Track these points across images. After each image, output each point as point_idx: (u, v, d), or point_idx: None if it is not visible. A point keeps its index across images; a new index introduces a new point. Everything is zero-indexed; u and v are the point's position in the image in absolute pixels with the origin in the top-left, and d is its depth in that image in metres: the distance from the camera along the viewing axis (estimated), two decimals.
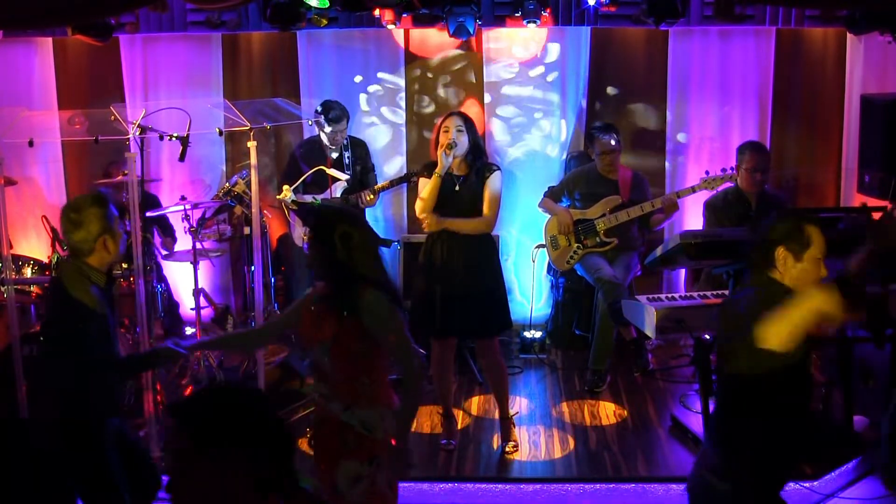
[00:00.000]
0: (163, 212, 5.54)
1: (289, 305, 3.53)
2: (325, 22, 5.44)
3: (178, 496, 1.84)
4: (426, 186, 4.43)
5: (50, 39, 6.28)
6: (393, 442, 3.08)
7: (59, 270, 3.44)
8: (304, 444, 4.17)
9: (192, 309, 5.42)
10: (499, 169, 4.48)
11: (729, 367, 2.93)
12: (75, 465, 3.27)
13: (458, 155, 4.39)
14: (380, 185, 5.44)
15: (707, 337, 4.67)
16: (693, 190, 5.41)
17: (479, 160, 4.46)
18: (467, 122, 4.43)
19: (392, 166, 6.42)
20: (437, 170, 4.39)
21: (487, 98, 6.34)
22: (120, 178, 5.28)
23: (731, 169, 5.29)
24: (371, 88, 6.41)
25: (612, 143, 5.53)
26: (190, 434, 1.80)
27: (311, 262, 3.13)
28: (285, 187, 5.29)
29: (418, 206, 4.49)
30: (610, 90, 6.36)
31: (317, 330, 3.03)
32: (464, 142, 4.39)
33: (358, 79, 6.39)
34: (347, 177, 5.41)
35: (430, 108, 6.42)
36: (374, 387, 3.06)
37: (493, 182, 4.44)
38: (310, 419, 4.72)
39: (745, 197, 5.29)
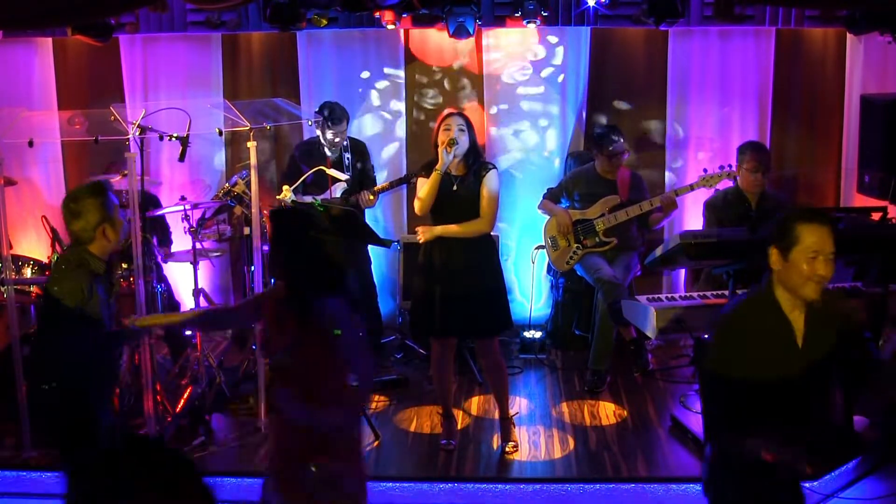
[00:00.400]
0: (163, 212, 5.53)
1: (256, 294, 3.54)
2: (325, 22, 5.45)
3: None
4: (425, 184, 4.44)
5: (50, 39, 6.28)
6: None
7: (52, 267, 3.51)
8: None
9: (191, 309, 5.42)
10: (495, 168, 4.49)
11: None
12: (67, 458, 3.30)
13: (458, 154, 4.40)
14: (379, 186, 5.45)
15: (707, 337, 4.67)
16: (692, 188, 5.40)
17: (477, 161, 4.48)
18: (467, 122, 4.45)
19: (392, 166, 6.42)
20: (437, 166, 4.39)
21: (487, 98, 6.34)
22: (119, 179, 5.28)
23: (729, 166, 5.29)
24: (371, 88, 6.41)
25: (619, 147, 5.49)
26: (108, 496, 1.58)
27: (272, 264, 3.11)
28: (285, 187, 5.30)
29: (417, 204, 4.50)
30: (610, 90, 6.35)
31: (279, 332, 3.03)
32: (464, 141, 4.40)
33: (358, 79, 6.39)
34: (347, 177, 5.41)
35: (430, 108, 6.41)
36: (338, 388, 3.07)
37: (491, 181, 4.44)
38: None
39: (746, 197, 5.29)
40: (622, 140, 5.53)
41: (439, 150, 4.38)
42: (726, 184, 5.34)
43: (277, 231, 3.07)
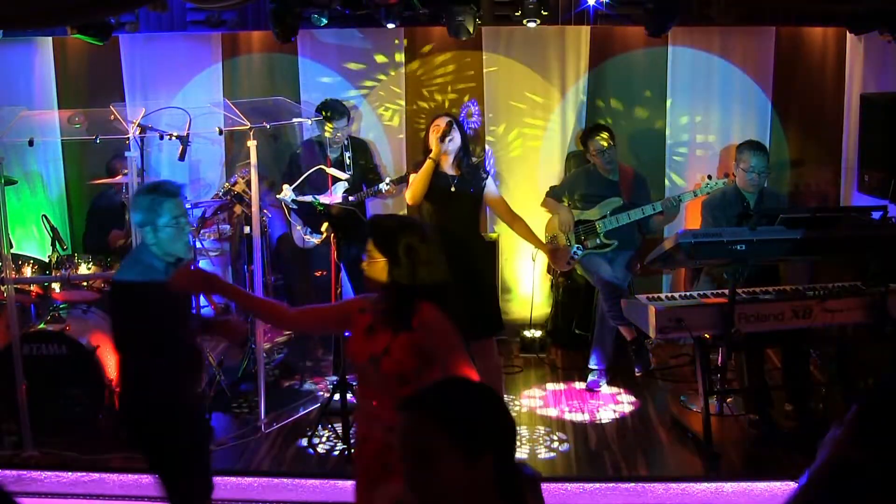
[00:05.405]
0: None
1: (337, 301, 3.24)
2: (324, 21, 5.45)
3: (419, 495, 1.79)
4: (417, 174, 4.59)
5: (50, 39, 6.28)
6: None
7: None
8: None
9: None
10: (488, 175, 4.72)
11: None
12: None
13: (451, 150, 4.56)
14: (392, 178, 5.52)
15: (707, 336, 4.67)
16: (695, 194, 5.43)
17: (469, 162, 4.65)
18: (458, 123, 4.64)
19: (392, 165, 6.42)
20: (431, 154, 4.53)
21: (487, 97, 6.33)
22: (120, 177, 5.28)
23: (734, 175, 5.32)
24: (371, 88, 6.41)
25: (603, 143, 5.52)
26: (444, 430, 1.75)
27: (369, 276, 2.88)
28: (285, 186, 5.31)
29: (408, 193, 4.63)
30: (609, 90, 6.35)
31: (368, 342, 2.85)
32: (457, 138, 4.57)
33: (357, 78, 6.38)
34: (348, 176, 5.42)
35: (430, 107, 6.40)
36: None
37: (493, 190, 4.71)
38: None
39: (744, 196, 5.28)
40: (606, 137, 5.54)
41: (433, 137, 4.54)
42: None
43: (381, 240, 2.86)
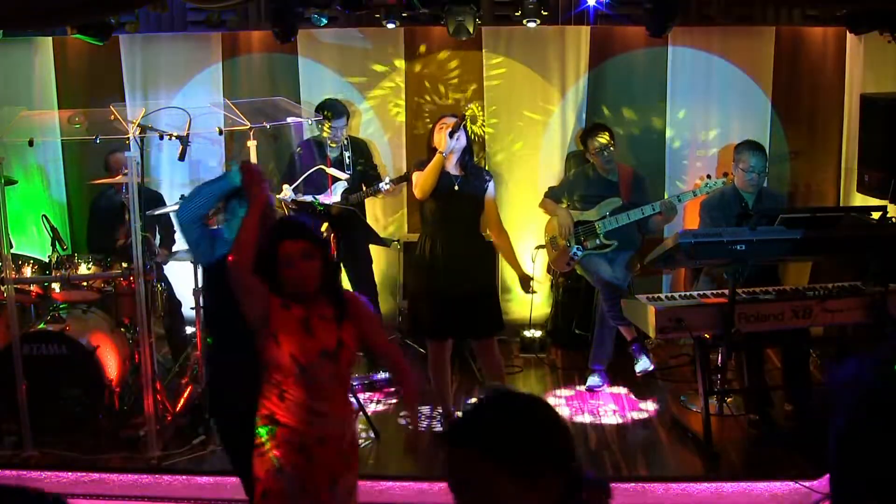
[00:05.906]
0: (164, 211, 5.52)
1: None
2: (324, 21, 5.46)
3: None
4: (424, 171, 4.56)
5: (50, 39, 6.28)
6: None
7: None
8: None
9: (191, 308, 5.41)
10: (492, 178, 4.72)
11: None
12: None
13: (457, 149, 4.54)
14: (392, 178, 5.52)
15: (707, 336, 4.68)
16: (694, 194, 5.43)
17: (472, 163, 4.67)
18: (463, 124, 4.62)
19: (392, 166, 6.42)
20: (440, 149, 4.51)
21: (487, 97, 6.33)
22: (120, 177, 5.27)
23: (732, 175, 5.32)
24: (371, 88, 6.41)
25: (602, 142, 5.52)
26: (496, 459, 1.60)
27: (316, 277, 2.86)
28: (284, 186, 5.31)
29: (416, 188, 4.60)
30: (609, 90, 6.35)
31: (313, 339, 2.83)
32: (462, 138, 4.55)
33: (358, 78, 6.39)
34: (347, 176, 5.42)
35: (430, 107, 6.40)
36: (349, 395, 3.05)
37: (493, 194, 4.69)
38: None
39: (742, 196, 5.28)
40: (604, 137, 5.54)
41: (442, 133, 4.51)
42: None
43: (321, 240, 2.95)
